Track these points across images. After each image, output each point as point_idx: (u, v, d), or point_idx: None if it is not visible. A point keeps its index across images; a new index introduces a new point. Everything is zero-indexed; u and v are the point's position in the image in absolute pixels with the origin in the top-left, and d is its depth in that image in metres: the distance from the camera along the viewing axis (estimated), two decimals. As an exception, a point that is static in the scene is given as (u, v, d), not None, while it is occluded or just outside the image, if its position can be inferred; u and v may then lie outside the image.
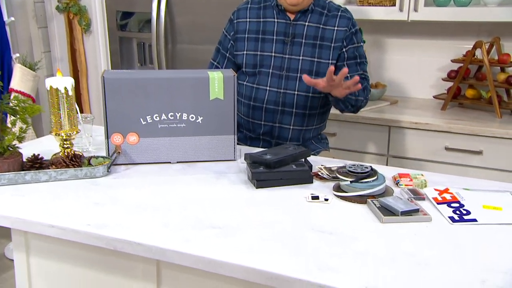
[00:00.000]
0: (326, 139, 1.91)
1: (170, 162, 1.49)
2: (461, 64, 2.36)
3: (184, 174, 1.41)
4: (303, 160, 1.41)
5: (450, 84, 2.46)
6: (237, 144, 1.45)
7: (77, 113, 1.46)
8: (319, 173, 1.38)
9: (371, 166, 1.30)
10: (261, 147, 1.80)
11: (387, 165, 2.31)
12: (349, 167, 1.28)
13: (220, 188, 1.30)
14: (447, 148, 2.16)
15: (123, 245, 1.06)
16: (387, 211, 1.14)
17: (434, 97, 2.49)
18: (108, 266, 1.17)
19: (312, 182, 1.34)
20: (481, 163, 2.12)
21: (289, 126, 1.76)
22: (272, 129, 1.77)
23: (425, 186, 1.31)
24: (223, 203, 1.21)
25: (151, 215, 1.15)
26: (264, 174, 1.29)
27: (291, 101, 1.72)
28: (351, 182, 1.24)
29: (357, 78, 1.42)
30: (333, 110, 1.89)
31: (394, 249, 1.00)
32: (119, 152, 1.44)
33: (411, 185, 1.31)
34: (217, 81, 1.43)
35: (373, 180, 1.25)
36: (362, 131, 2.28)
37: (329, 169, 1.40)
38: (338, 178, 1.28)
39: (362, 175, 1.25)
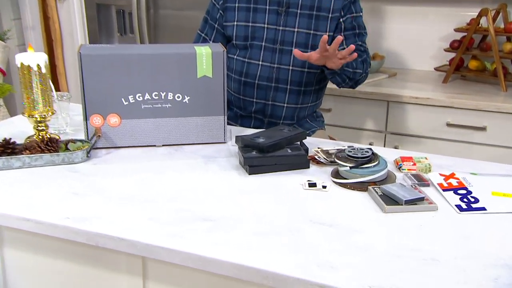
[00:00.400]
0: (321, 117, 1.88)
1: (155, 145, 1.45)
2: (465, 34, 2.32)
3: (171, 159, 1.37)
4: (299, 143, 1.37)
5: (452, 55, 2.42)
6: (227, 123, 1.40)
7: (52, 91, 1.40)
8: (316, 156, 1.36)
9: (371, 150, 1.27)
10: (253, 127, 1.77)
11: (384, 142, 2.29)
12: (349, 151, 1.25)
13: (210, 175, 1.27)
14: (448, 124, 2.15)
15: (106, 240, 1.02)
16: (390, 200, 1.12)
17: (435, 69, 2.45)
18: (90, 259, 1.13)
19: (308, 167, 1.31)
20: (485, 139, 2.10)
21: (283, 103, 1.72)
22: (265, 107, 1.73)
23: (430, 171, 1.29)
24: (214, 192, 1.19)
25: (136, 207, 1.12)
26: (257, 159, 1.26)
27: (285, 77, 1.67)
28: (350, 168, 1.21)
29: (352, 47, 1.37)
30: (329, 85, 1.85)
31: (398, 243, 0.98)
32: (99, 136, 1.39)
33: (414, 170, 1.29)
34: (205, 57, 1.38)
35: (374, 165, 1.23)
36: (359, 106, 2.26)
37: (326, 152, 1.37)
38: (337, 163, 1.24)
39: (363, 160, 1.21)
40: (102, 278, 1.13)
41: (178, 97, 1.41)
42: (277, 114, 1.74)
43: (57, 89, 2.91)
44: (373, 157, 1.25)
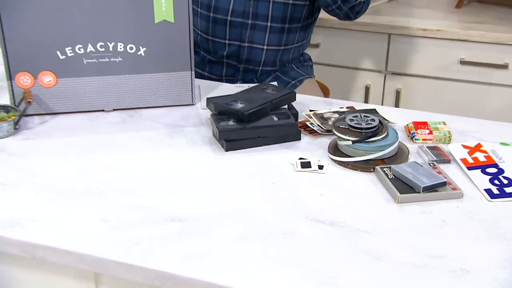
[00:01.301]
0: (310, 60, 1.79)
1: (103, 110, 1.36)
2: None
3: (125, 130, 1.28)
4: (287, 106, 1.28)
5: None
6: (194, 73, 1.35)
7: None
8: (308, 123, 1.27)
9: (377, 116, 1.20)
10: (225, 76, 1.69)
11: (384, 85, 2.22)
12: (350, 119, 1.17)
13: (175, 153, 1.19)
14: (462, 62, 2.10)
15: (45, 252, 0.94)
16: (403, 185, 1.06)
17: (446, -10, 2.34)
18: (32, 261, 1.04)
19: (299, 139, 1.23)
20: (506, 79, 2.06)
21: (262, 45, 1.62)
22: (240, 50, 1.62)
23: (450, 141, 1.23)
24: (182, 179, 1.10)
25: (82, 203, 1.03)
26: (236, 132, 1.19)
27: (265, 11, 1.57)
28: (353, 142, 1.13)
29: None
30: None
31: (417, 248, 0.92)
32: (29, 102, 1.26)
33: (430, 140, 1.22)
34: (164, -3, 1.26)
35: (382, 138, 1.15)
36: (353, 40, 2.18)
37: (320, 117, 1.29)
38: (336, 135, 1.15)
39: (368, 132, 1.14)
40: (48, 283, 1.04)
41: (131, 48, 1.32)
42: (255, 59, 1.63)
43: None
44: (381, 127, 1.17)
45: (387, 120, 1.28)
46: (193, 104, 1.40)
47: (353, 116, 1.19)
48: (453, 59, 2.13)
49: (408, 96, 2.22)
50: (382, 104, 2.26)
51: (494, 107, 2.13)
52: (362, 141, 1.15)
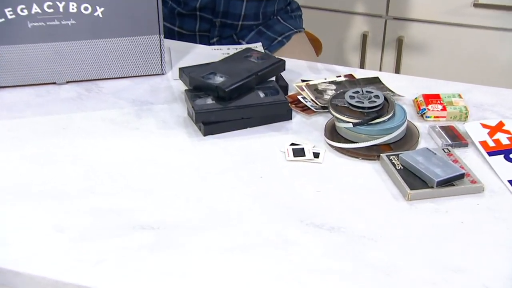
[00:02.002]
0: (298, 9, 1.76)
1: (55, 83, 1.31)
2: None
3: (82, 109, 1.24)
4: (275, 78, 1.24)
5: None
6: (162, 33, 1.31)
7: None
8: (300, 97, 1.24)
9: (382, 93, 1.16)
10: (199, 31, 1.63)
11: (384, 32, 2.18)
12: (350, 97, 1.13)
13: (144, 139, 1.15)
14: (476, 4, 2.07)
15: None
16: (414, 178, 1.03)
17: None
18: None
19: (290, 119, 1.20)
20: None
21: (242, -5, 1.54)
22: (215, 0, 1.58)
23: (466, 118, 1.19)
24: (153, 174, 1.07)
25: (31, 206, 0.98)
26: (215, 113, 1.15)
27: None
28: (354, 125, 1.09)
29: None
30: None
31: (433, 259, 0.90)
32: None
33: (444, 117, 1.19)
34: None
35: (388, 119, 1.12)
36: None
37: (314, 90, 1.25)
38: (333, 115, 1.12)
39: (371, 112, 1.11)
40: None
41: (86, 8, 1.26)
42: (233, 12, 1.58)
43: None
44: (386, 105, 1.13)
45: (392, 92, 1.24)
46: (162, 74, 1.35)
47: (353, 93, 1.15)
48: (466, 1, 2.09)
49: (412, 46, 2.18)
50: (382, 55, 2.22)
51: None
52: (364, 123, 1.11)
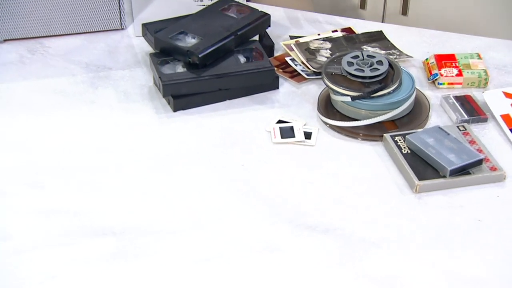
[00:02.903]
0: None
1: None
2: None
3: (25, 76, 1.22)
4: (258, 37, 1.22)
5: None
6: None
7: None
8: (289, 59, 1.22)
9: (386, 57, 1.13)
10: None
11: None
12: (348, 63, 1.11)
13: (101, 116, 1.14)
14: None
15: None
16: (423, 165, 1.02)
17: None
18: None
19: (277, 88, 1.18)
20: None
21: None
22: None
23: (486, 84, 1.18)
24: (112, 161, 1.05)
25: None
26: (187, 84, 1.13)
27: None
28: (353, 98, 1.08)
29: None
30: None
31: (445, 267, 0.89)
32: None
33: (459, 84, 1.17)
34: None
35: (393, 90, 1.09)
36: None
37: (306, 49, 1.23)
38: (328, 87, 1.11)
39: (373, 83, 1.09)
40: None
41: None
42: None
43: None
44: (391, 73, 1.11)
45: (398, 51, 1.22)
46: (122, 29, 1.32)
47: (352, 58, 1.12)
48: None
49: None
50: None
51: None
52: (365, 96, 1.09)
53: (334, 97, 1.12)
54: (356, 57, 1.13)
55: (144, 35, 1.20)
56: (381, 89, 1.09)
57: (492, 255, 0.92)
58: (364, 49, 1.21)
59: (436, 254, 0.92)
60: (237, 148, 1.08)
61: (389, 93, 1.10)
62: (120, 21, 1.30)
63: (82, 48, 1.27)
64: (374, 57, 1.13)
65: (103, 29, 1.30)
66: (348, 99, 1.09)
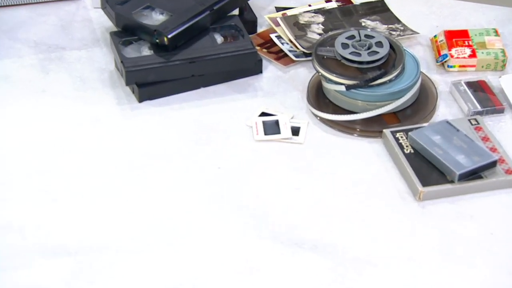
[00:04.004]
0: None
1: None
2: None
3: None
4: (238, 11, 1.23)
5: None
6: None
7: None
8: (274, 36, 1.24)
9: (386, 36, 1.14)
10: None
11: None
12: (343, 45, 1.12)
13: (53, 107, 1.14)
14: None
15: None
16: (428, 167, 1.04)
17: None
18: None
19: (260, 72, 1.19)
20: None
21: None
22: None
23: (503, 67, 1.19)
24: (66, 163, 1.06)
25: None
26: (154, 70, 1.14)
27: None
28: (348, 88, 1.10)
29: None
30: None
31: None
32: None
33: (472, 67, 1.19)
34: None
35: (394, 77, 1.11)
36: None
37: (294, 24, 1.24)
38: (319, 73, 1.12)
39: (371, 69, 1.10)
40: None
41: None
42: None
43: None
44: (393, 56, 1.12)
45: (402, 25, 1.23)
46: None
47: (347, 38, 1.13)
48: None
49: None
50: None
51: None
52: (362, 85, 1.10)
53: (326, 85, 1.13)
54: (352, 37, 1.14)
55: (103, 8, 1.19)
56: (380, 77, 1.10)
57: (505, 274, 0.93)
58: (363, 23, 1.22)
59: (442, 274, 0.93)
60: (212, 147, 1.09)
61: (390, 80, 1.11)
62: (74, -8, 1.28)
63: (29, 23, 1.27)
64: (373, 37, 1.14)
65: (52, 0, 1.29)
66: (343, 88, 1.11)
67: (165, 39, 1.12)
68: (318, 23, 1.23)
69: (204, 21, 1.17)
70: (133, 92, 1.14)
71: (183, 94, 1.16)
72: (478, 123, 1.10)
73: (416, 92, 1.13)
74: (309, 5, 1.27)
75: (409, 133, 1.07)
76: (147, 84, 1.14)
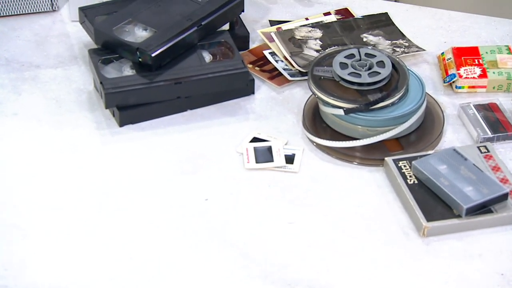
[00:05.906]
0: None
1: None
2: None
3: None
4: (229, 27, 1.24)
5: None
6: None
7: None
8: (267, 53, 1.25)
9: (388, 55, 1.15)
10: None
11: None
12: (341, 65, 1.12)
13: (26, 131, 1.14)
14: None
15: None
16: (433, 200, 1.04)
17: None
18: None
19: (252, 93, 1.20)
20: None
21: None
22: None
23: None
24: (38, 196, 1.06)
25: None
26: (137, 92, 1.14)
27: None
28: (347, 112, 1.10)
29: None
30: None
31: None
32: None
33: (483, 87, 1.20)
34: None
35: (399, 100, 1.11)
36: None
37: (289, 39, 1.25)
38: (316, 95, 1.13)
39: (373, 91, 1.11)
40: None
41: None
42: None
43: None
44: (396, 77, 1.13)
45: (407, 41, 1.24)
46: (54, 11, 1.33)
47: (346, 57, 1.14)
48: None
49: None
50: None
51: None
52: (362, 109, 1.10)
53: (324, 108, 1.13)
54: (351, 56, 1.14)
55: (81, 22, 1.20)
56: (382, 100, 1.11)
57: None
58: (364, 39, 1.23)
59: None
60: (199, 176, 1.09)
61: (392, 104, 1.11)
62: (52, 3, 1.30)
63: (0, 38, 1.28)
64: (374, 56, 1.14)
65: (29, 12, 1.30)
66: (341, 112, 1.11)
67: (149, 57, 1.13)
68: (315, 39, 1.24)
69: (191, 38, 1.17)
70: (114, 116, 1.15)
71: (168, 117, 1.17)
72: (488, 151, 1.10)
73: (421, 117, 1.13)
74: (306, 19, 1.28)
75: (413, 162, 1.07)
76: (128, 107, 1.14)
